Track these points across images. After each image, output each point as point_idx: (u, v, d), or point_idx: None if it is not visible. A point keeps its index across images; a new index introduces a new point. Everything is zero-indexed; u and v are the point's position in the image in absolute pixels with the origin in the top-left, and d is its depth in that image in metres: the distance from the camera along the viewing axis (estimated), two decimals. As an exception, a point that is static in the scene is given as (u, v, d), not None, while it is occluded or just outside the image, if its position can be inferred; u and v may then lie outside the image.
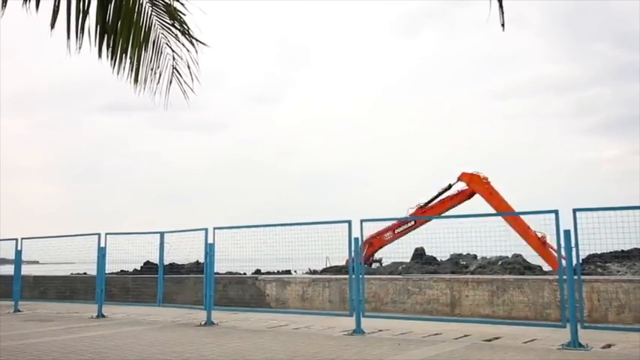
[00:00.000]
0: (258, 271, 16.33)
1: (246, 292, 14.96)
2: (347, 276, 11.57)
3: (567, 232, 8.49)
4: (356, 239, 10.44)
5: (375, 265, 24.63)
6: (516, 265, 18.93)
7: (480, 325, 10.25)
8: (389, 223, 22.75)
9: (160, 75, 5.50)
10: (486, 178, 23.23)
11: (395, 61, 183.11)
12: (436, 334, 9.73)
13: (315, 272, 18.79)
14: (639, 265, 16.21)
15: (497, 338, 9.08)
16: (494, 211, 19.50)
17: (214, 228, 12.08)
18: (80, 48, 4.80)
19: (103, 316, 13.60)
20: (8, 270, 16.99)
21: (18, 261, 16.04)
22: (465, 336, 9.36)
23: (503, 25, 4.05)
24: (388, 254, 24.56)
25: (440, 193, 24.19)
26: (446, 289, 12.21)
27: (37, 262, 19.59)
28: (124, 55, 5.11)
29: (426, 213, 23.17)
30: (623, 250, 13.91)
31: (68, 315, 14.33)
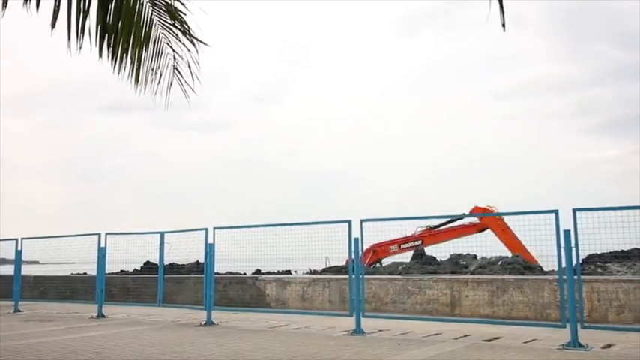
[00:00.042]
0: (258, 271, 16.33)
1: (246, 292, 14.96)
2: (347, 276, 11.57)
3: (567, 232, 8.49)
4: (356, 239, 10.45)
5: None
6: (516, 265, 18.89)
7: (479, 325, 10.26)
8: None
9: (161, 75, 5.51)
10: (500, 216, 23.15)
11: (395, 61, 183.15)
12: (436, 334, 9.74)
13: (315, 272, 18.78)
14: (639, 265, 16.18)
15: (497, 338, 9.08)
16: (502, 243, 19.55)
17: (214, 228, 12.09)
18: (81, 48, 4.81)
19: (103, 316, 13.61)
20: (8, 270, 16.98)
21: (18, 261, 16.04)
22: (465, 336, 9.36)
23: (503, 25, 4.05)
24: (388, 254, 24.62)
25: (452, 220, 24.14)
26: (446, 289, 12.22)
27: (37, 262, 19.60)
28: (124, 55, 5.11)
29: (434, 236, 23.25)
30: (623, 250, 13.87)
31: (68, 315, 14.33)
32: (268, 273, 16.54)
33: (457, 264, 20.55)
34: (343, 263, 15.34)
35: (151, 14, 5.29)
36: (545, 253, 9.52)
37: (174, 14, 5.31)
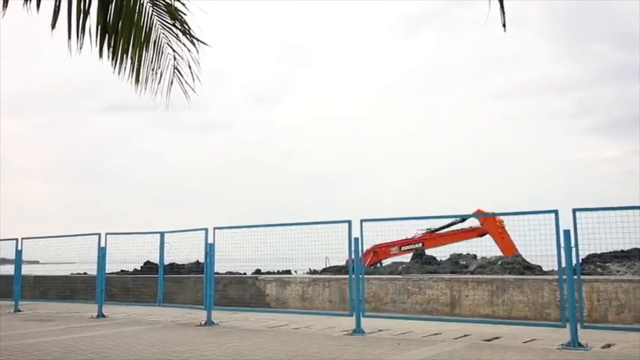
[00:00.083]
0: (258, 271, 16.33)
1: (246, 292, 14.97)
2: (347, 276, 11.58)
3: (567, 232, 8.50)
4: (356, 239, 10.46)
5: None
6: (516, 265, 18.88)
7: (479, 324, 10.27)
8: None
9: (161, 75, 5.51)
10: (501, 222, 23.20)
11: (395, 61, 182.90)
12: (436, 333, 9.74)
13: (315, 272, 18.79)
14: (639, 265, 16.17)
15: (497, 338, 9.09)
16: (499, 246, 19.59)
17: (214, 228, 12.10)
18: (81, 48, 4.81)
19: (104, 315, 13.61)
20: (8, 270, 16.99)
21: (18, 261, 16.05)
22: (465, 336, 9.37)
23: (504, 25, 4.04)
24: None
25: (453, 223, 24.16)
26: (446, 289, 12.23)
27: (37, 262, 19.61)
28: (124, 55, 5.12)
29: (435, 239, 23.30)
30: (622, 250, 13.87)
31: (68, 315, 14.34)
32: (268, 273, 16.54)
33: (457, 264, 20.54)
34: (343, 263, 15.34)
35: (152, 14, 5.29)
36: (545, 253, 9.52)
37: (174, 14, 5.32)
